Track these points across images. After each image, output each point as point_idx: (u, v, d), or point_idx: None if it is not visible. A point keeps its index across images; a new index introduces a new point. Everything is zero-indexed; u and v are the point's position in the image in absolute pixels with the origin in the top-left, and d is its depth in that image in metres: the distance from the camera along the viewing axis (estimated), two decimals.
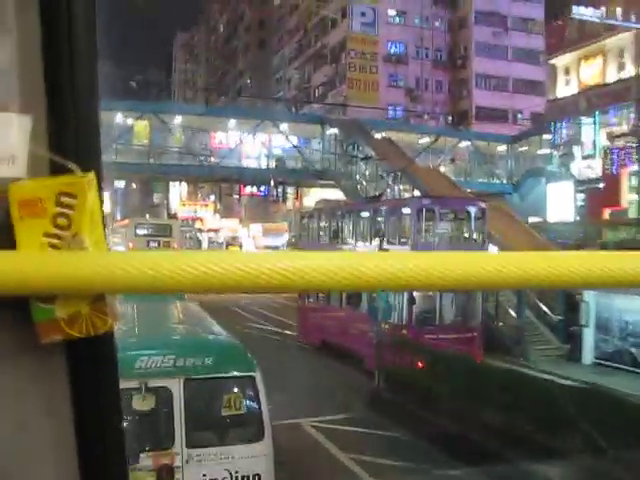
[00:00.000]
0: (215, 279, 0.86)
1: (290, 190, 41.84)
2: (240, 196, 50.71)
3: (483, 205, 18.09)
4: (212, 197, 65.16)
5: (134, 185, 60.18)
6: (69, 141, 0.95)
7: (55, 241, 0.90)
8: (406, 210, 17.61)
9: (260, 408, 6.63)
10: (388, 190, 29.73)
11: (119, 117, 34.39)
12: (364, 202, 24.07)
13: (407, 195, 28.44)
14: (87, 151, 0.96)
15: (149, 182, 56.54)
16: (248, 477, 6.31)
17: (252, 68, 76.78)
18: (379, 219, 18.96)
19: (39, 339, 0.92)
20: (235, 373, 6.71)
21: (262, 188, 41.77)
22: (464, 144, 40.38)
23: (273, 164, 39.66)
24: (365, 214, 19.96)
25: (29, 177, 0.92)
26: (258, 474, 6.36)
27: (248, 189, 48.90)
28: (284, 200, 41.76)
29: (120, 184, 62.60)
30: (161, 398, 6.30)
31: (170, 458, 6.23)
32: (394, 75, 56.06)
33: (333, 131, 38.06)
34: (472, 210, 17.61)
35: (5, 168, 0.91)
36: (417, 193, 27.14)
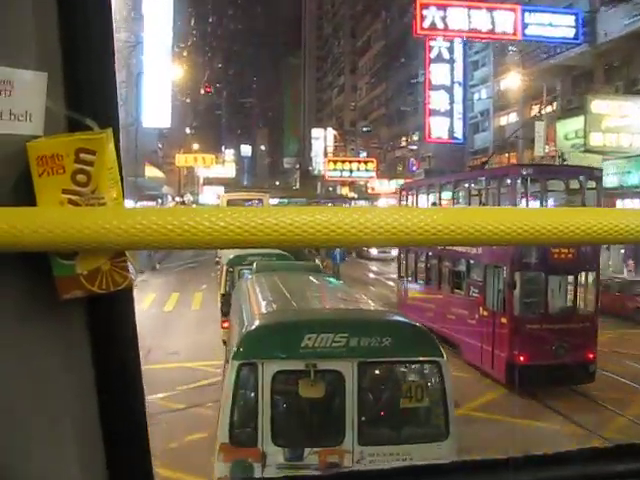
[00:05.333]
0: (228, 236, 0.84)
1: None
2: (425, 139, 34.52)
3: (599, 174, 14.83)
4: (363, 154, 56.39)
5: (262, 147, 59.26)
6: (86, 98, 0.95)
7: (74, 197, 0.90)
8: (505, 181, 14.88)
9: (446, 400, 5.45)
10: None
11: None
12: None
13: None
14: (104, 108, 0.96)
15: (279, 142, 53.85)
16: None
17: None
18: (475, 192, 16.65)
19: (59, 295, 0.91)
20: (418, 357, 5.51)
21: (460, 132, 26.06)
22: None
23: None
24: (462, 187, 17.58)
25: (46, 134, 0.91)
26: None
27: (435, 133, 32.90)
28: None
29: (247, 150, 61.54)
30: (331, 384, 5.25)
31: (339, 456, 5.21)
32: None
33: None
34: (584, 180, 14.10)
35: (22, 125, 0.91)
36: None
